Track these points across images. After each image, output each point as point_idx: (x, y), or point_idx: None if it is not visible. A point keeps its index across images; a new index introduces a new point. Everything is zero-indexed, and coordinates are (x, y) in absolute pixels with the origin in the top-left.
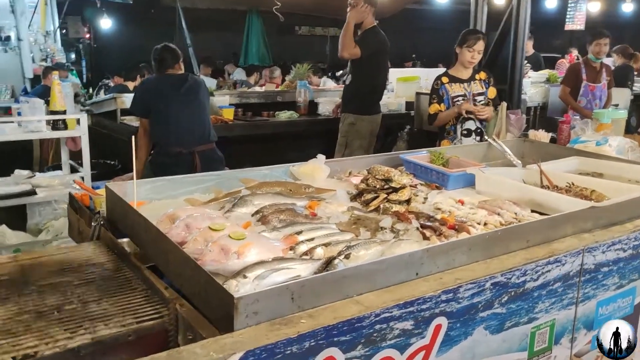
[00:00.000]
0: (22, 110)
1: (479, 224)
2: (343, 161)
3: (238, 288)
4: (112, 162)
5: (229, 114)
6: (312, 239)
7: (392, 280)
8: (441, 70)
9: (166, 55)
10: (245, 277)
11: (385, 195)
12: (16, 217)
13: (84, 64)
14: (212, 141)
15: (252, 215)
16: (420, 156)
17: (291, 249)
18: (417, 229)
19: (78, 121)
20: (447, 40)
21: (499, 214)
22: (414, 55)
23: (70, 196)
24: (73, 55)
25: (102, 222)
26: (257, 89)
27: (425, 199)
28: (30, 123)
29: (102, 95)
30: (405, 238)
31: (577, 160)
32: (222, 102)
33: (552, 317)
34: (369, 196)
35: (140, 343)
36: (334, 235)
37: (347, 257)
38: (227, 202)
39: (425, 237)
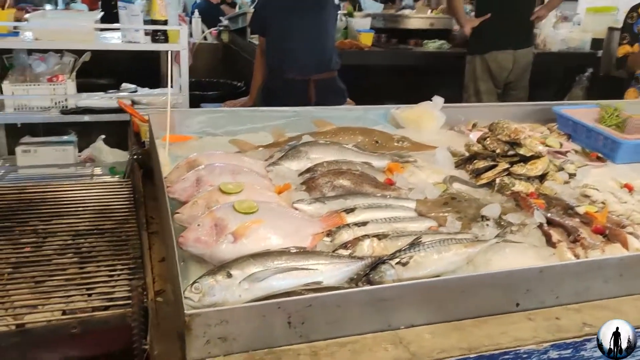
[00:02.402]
0: (120, 18)
1: None
2: (469, 108)
3: (214, 293)
4: (238, 84)
5: (367, 39)
6: (365, 224)
7: (471, 311)
8: None
9: None
10: (229, 275)
11: (507, 166)
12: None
13: None
14: (333, 69)
15: (300, 174)
16: (585, 110)
17: (329, 234)
18: (540, 226)
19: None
20: None
21: None
22: None
23: (131, 120)
24: None
25: (135, 157)
26: (406, 11)
27: (572, 176)
28: (127, 32)
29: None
30: (517, 240)
31: None
32: (362, 26)
33: None
34: (481, 164)
35: (88, 339)
36: (402, 221)
37: (403, 262)
38: (278, 151)
39: (549, 242)
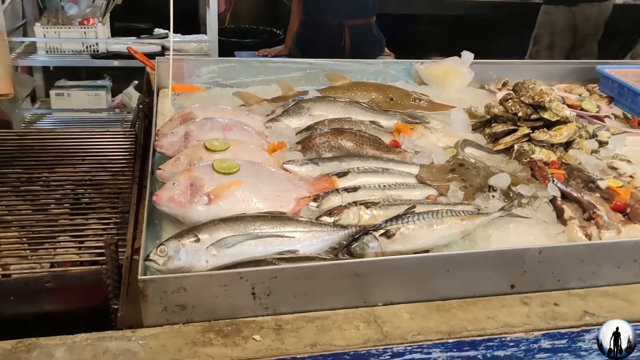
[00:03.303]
0: None
1: None
2: (500, 65)
3: (180, 257)
4: (277, 32)
5: None
6: (355, 190)
7: (458, 291)
8: None
9: None
10: (197, 239)
11: (528, 131)
12: None
13: None
14: (370, 14)
15: (298, 132)
16: (633, 70)
17: (315, 199)
18: (553, 200)
19: None
20: None
21: None
22: None
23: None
24: None
25: (141, 106)
26: None
27: (604, 144)
28: None
29: None
30: (523, 215)
31: None
32: None
33: None
34: (500, 128)
35: (63, 293)
36: (398, 188)
37: (389, 234)
38: (281, 106)
39: (561, 219)
